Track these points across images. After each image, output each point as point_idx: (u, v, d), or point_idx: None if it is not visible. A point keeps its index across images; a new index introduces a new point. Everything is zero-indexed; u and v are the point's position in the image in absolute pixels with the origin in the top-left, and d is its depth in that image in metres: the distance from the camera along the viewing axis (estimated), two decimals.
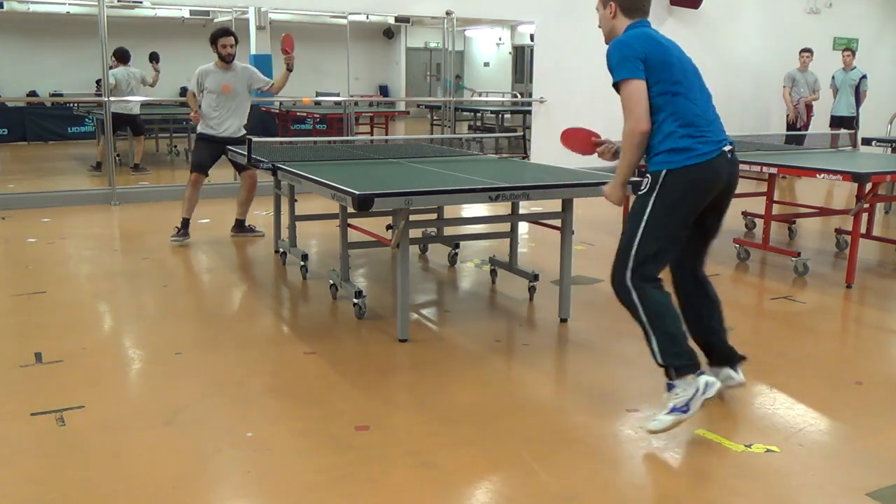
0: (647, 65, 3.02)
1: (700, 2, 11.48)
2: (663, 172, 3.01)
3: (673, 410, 3.03)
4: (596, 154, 3.57)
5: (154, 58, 10.73)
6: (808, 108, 11.38)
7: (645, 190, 3.05)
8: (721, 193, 3.18)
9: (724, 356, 3.49)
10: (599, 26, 3.29)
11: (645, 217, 3.03)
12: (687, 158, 3.00)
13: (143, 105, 10.43)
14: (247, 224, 7.06)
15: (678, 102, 3.03)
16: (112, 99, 9.01)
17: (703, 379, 3.04)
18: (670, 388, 3.06)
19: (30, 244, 6.62)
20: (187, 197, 6.87)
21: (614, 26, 3.21)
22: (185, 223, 6.82)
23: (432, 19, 11.53)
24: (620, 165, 3.14)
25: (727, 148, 3.10)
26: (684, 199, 3.04)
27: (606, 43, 3.22)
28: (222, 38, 6.56)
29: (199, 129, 6.79)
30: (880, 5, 13.64)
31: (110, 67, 9.79)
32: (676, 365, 3.04)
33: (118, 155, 10.03)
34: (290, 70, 6.58)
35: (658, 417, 3.08)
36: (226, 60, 6.61)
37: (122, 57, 9.98)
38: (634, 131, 3.02)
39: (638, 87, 3.00)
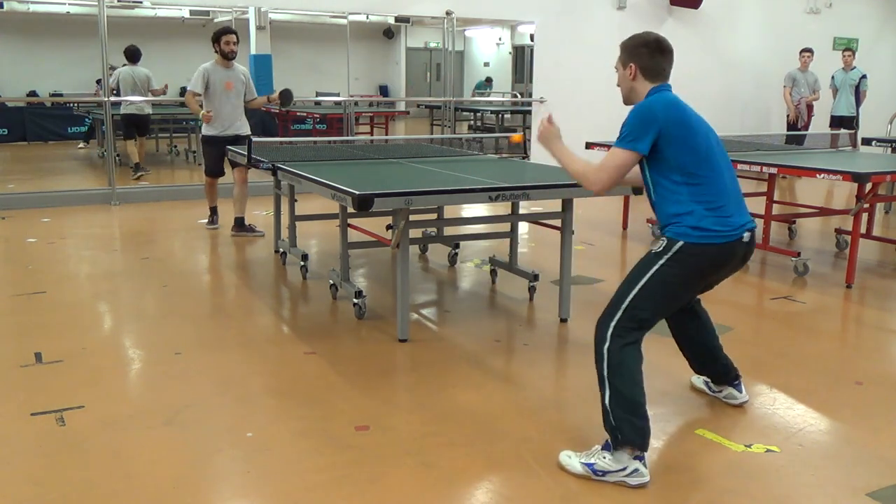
0: (668, 134, 2.84)
1: (700, 2, 11.49)
2: (681, 243, 2.87)
3: (590, 466, 2.84)
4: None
5: (138, 55, 10.29)
6: (809, 108, 11.39)
7: (658, 250, 2.90)
8: (730, 269, 3.09)
9: (721, 372, 3.48)
10: (618, 85, 3.12)
11: (647, 277, 2.90)
12: (707, 237, 2.86)
13: (139, 104, 10.10)
14: (247, 223, 7.03)
15: (704, 179, 2.87)
16: (113, 99, 9.01)
17: (636, 464, 2.79)
18: (606, 448, 2.86)
19: (30, 244, 6.62)
20: (207, 194, 7.21)
21: (634, 88, 3.04)
22: (214, 211, 7.23)
23: (432, 19, 11.55)
24: (565, 159, 3.07)
25: (746, 236, 2.93)
26: (691, 274, 2.94)
27: (625, 104, 3.08)
28: (225, 35, 6.67)
29: (206, 131, 6.82)
30: (880, 5, 13.65)
31: (111, 67, 9.75)
32: (625, 433, 2.81)
33: (118, 155, 10.01)
34: (268, 101, 7.04)
35: (573, 456, 2.90)
36: (228, 58, 6.70)
37: (130, 56, 9.88)
38: (590, 182, 2.96)
39: (626, 160, 2.86)
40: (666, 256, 2.88)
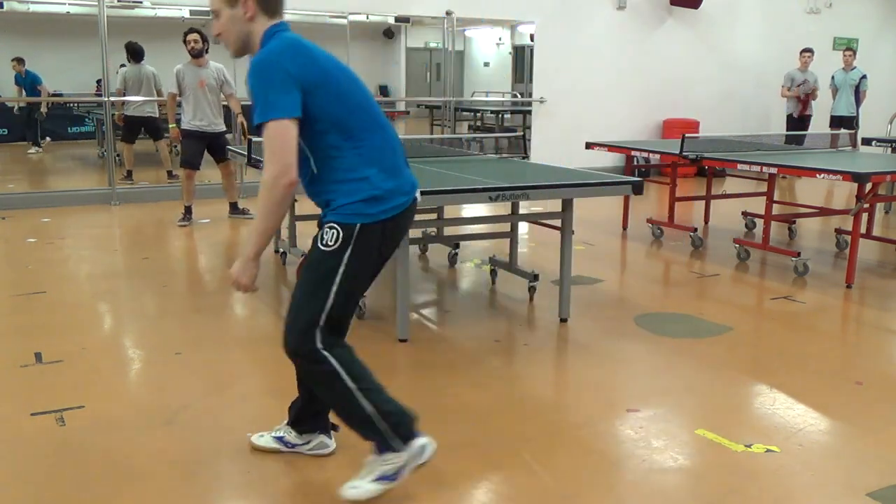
0: (308, 88, 2.36)
1: (700, 2, 11.48)
2: (358, 226, 2.44)
3: (381, 478, 2.57)
4: None
5: (142, 54, 9.87)
6: (807, 97, 11.23)
7: (335, 246, 2.45)
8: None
9: (314, 414, 2.93)
10: (218, 35, 2.53)
11: (338, 277, 2.47)
12: (386, 211, 2.47)
13: (142, 105, 9.89)
14: (240, 207, 7.73)
15: (363, 137, 2.43)
16: (113, 99, 9.01)
17: (419, 441, 2.56)
18: (382, 451, 2.56)
19: (30, 244, 6.62)
20: (185, 189, 7.38)
21: (251, 32, 2.47)
22: (189, 210, 7.38)
23: (432, 19, 11.54)
24: (256, 230, 2.46)
25: (419, 196, 2.63)
26: (378, 254, 2.54)
27: (236, 55, 2.54)
28: (189, 34, 7.16)
29: (187, 126, 7.23)
30: (880, 5, 13.65)
31: (123, 65, 9.76)
32: (401, 431, 2.54)
33: (118, 155, 10.00)
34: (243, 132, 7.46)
35: (358, 484, 2.60)
36: (192, 55, 7.13)
37: (134, 54, 9.55)
38: (280, 181, 2.33)
39: (288, 129, 2.33)
40: (349, 248, 2.46)
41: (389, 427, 2.54)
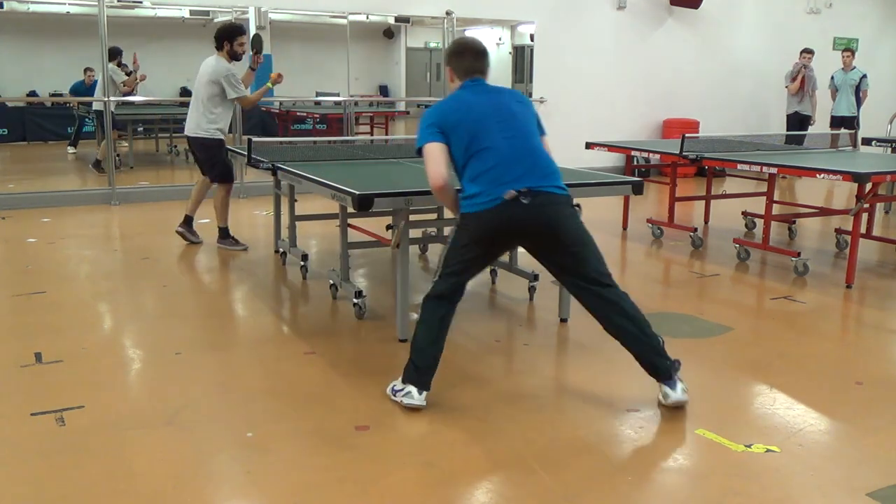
0: (447, 128, 3.37)
1: (700, 2, 11.48)
2: (461, 213, 3.41)
3: (392, 388, 3.48)
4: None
5: (114, 54, 9.72)
6: (803, 79, 11.14)
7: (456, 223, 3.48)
8: (538, 236, 3.41)
9: (649, 367, 3.44)
10: None
11: (449, 243, 3.49)
12: (470, 206, 3.33)
13: (145, 105, 10.22)
14: (230, 232, 6.58)
15: (474, 157, 3.33)
16: (113, 98, 9.01)
17: (409, 388, 3.39)
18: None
19: (30, 244, 6.62)
20: (222, 206, 6.48)
21: (452, 90, 3.55)
22: (226, 231, 6.53)
23: (432, 19, 11.55)
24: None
25: (509, 194, 3.25)
26: (470, 238, 3.39)
27: None
28: (241, 35, 6.21)
29: (220, 135, 6.29)
30: (880, 5, 13.65)
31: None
32: (407, 373, 3.42)
33: (118, 155, 10.01)
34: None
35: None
36: (238, 60, 6.27)
37: (110, 56, 9.35)
38: (432, 186, 3.41)
39: (433, 148, 3.36)
40: (456, 225, 3.46)
41: (404, 371, 3.49)
